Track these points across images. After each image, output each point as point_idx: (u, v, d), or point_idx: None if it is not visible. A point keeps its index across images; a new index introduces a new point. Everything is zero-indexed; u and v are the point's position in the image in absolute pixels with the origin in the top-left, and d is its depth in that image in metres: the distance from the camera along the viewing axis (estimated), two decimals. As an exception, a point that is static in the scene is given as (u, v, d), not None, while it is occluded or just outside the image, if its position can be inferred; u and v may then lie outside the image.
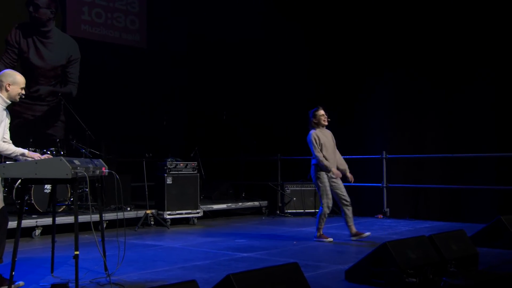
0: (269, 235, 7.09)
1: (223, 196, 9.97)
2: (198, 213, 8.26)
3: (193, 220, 8.27)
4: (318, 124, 6.32)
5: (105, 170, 4.48)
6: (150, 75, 11.15)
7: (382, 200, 8.86)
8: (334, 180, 6.29)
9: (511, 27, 7.99)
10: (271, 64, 10.72)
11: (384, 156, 8.88)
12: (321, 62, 10.10)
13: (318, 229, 6.35)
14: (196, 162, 8.44)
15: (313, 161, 6.29)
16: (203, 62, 11.57)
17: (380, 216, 8.79)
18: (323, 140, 6.26)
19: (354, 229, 6.35)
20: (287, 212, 9.33)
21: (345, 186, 6.35)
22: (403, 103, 9.17)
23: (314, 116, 6.34)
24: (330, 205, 6.24)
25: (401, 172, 9.11)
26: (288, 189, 9.42)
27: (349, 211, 6.29)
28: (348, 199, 6.31)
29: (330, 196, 6.24)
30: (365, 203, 9.33)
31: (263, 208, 9.72)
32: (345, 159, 8.94)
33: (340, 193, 6.27)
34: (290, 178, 9.78)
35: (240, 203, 9.49)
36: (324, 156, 6.21)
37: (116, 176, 4.38)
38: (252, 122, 11.06)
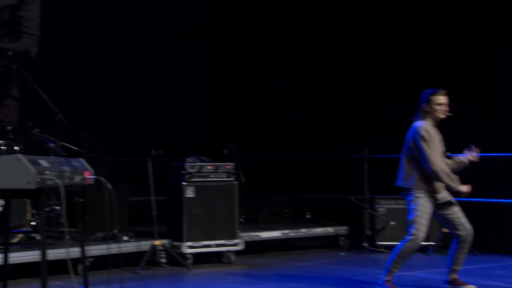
0: (351, 282, 7.20)
1: (275, 219, 10.07)
2: (236, 245, 8.42)
3: (229, 257, 8.42)
4: (429, 115, 6.59)
5: (89, 175, 4.55)
6: (159, 26, 10.96)
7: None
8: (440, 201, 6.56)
9: None
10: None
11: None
12: None
13: (388, 270, 6.51)
14: (232, 163, 8.61)
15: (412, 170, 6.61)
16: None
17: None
18: (436, 139, 6.55)
19: (454, 275, 6.62)
20: (379, 245, 9.40)
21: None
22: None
23: (428, 101, 6.58)
24: (422, 237, 6.48)
25: None
26: (381, 207, 9.51)
27: (465, 247, 6.54)
28: (469, 228, 6.53)
29: (426, 225, 6.46)
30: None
31: (341, 238, 9.82)
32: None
33: (455, 219, 6.53)
34: (384, 189, 9.51)
35: (303, 230, 9.64)
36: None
37: (108, 185, 4.43)
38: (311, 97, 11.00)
